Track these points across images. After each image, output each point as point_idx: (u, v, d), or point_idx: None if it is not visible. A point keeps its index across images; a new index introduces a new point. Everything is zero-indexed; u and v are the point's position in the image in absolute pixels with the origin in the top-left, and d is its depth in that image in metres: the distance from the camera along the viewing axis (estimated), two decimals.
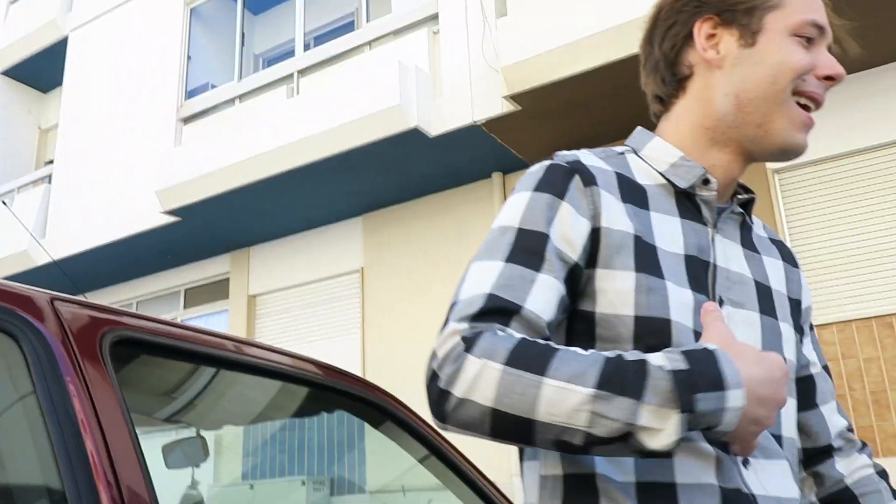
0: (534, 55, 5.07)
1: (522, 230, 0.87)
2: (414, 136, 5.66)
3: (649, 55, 1.02)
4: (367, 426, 1.95)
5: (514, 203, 0.90)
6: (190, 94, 7.66)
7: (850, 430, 1.04)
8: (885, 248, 4.82)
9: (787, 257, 1.06)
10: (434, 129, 5.70)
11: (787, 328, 0.97)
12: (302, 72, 6.85)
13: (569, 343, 0.87)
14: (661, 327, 0.85)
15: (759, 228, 1.05)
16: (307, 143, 5.96)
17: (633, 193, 0.93)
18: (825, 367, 1.04)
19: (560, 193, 0.88)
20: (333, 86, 6.13)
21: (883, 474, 1.01)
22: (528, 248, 0.85)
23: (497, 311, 0.81)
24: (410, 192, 6.61)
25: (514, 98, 5.27)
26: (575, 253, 0.86)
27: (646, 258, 0.87)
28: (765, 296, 0.97)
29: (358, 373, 6.67)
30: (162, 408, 1.86)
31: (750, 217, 1.02)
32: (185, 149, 6.86)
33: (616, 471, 0.84)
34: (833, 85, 0.93)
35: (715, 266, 0.93)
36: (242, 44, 7.62)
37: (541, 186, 0.89)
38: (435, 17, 6.15)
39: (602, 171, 0.93)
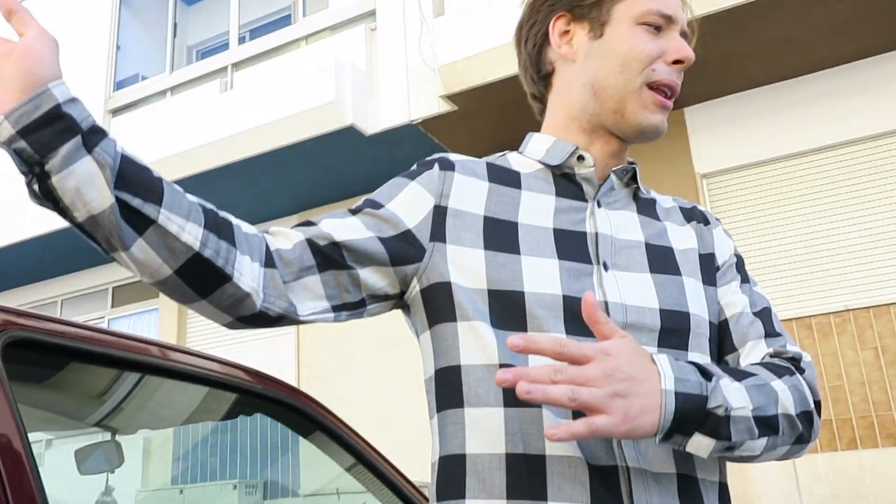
0: (470, 55, 5.08)
1: (366, 199, 0.97)
2: (349, 133, 5.61)
3: (519, 57, 1.08)
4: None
5: None
6: (119, 86, 7.43)
7: (781, 351, 0.97)
8: (805, 252, 4.98)
9: (700, 218, 1.07)
10: (370, 127, 5.66)
11: (693, 282, 0.98)
12: (236, 65, 6.72)
13: (430, 315, 0.93)
14: (516, 299, 0.89)
15: (665, 201, 1.07)
16: (240, 139, 5.85)
17: (503, 176, 0.99)
18: (761, 312, 1.00)
19: (413, 176, 0.97)
20: (268, 81, 6.03)
21: (793, 360, 0.95)
22: (358, 207, 0.95)
23: (297, 225, 0.93)
24: (346, 190, 6.54)
25: (451, 98, 5.27)
26: (411, 222, 0.93)
27: (499, 235, 0.93)
28: (663, 256, 0.99)
29: (293, 371, 6.58)
30: (69, 412, 1.79)
31: (639, 187, 1.03)
32: None
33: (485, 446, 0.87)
34: (684, 68, 0.98)
35: (597, 234, 0.95)
36: (175, 35, 7.43)
37: (405, 174, 0.99)
38: (372, 14, 6.10)
39: (470, 161, 1.00)
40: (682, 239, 1.03)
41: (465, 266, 0.91)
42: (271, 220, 7.05)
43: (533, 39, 1.04)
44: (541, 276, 0.90)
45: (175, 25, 7.46)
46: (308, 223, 0.93)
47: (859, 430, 4.58)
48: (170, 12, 7.47)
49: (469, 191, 0.96)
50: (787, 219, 5.09)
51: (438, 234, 0.93)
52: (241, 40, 7.00)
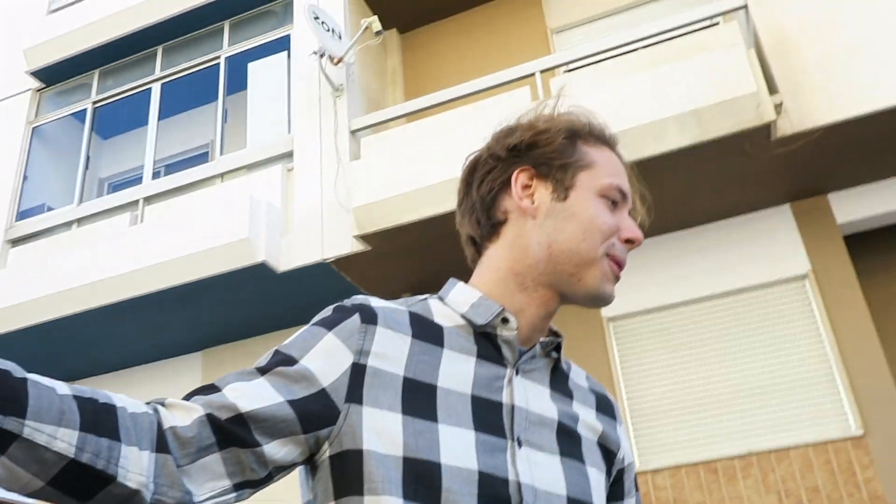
0: (383, 198, 5.19)
1: (277, 351, 0.89)
2: (261, 270, 5.56)
3: (466, 197, 1.05)
4: None
5: (294, 334, 0.94)
6: (22, 216, 7.22)
7: None
8: (708, 396, 5.09)
9: (607, 409, 1.06)
10: (282, 264, 5.63)
11: (595, 473, 0.97)
12: (148, 199, 6.65)
13: (337, 487, 0.85)
14: (431, 470, 0.83)
15: (579, 377, 1.06)
16: (148, 273, 5.70)
17: (426, 331, 0.93)
18: None
19: (330, 327, 0.90)
20: (181, 215, 5.97)
21: None
22: (268, 365, 0.87)
23: (195, 390, 0.85)
24: (255, 327, 6.41)
25: (364, 238, 5.33)
26: (326, 380, 0.86)
27: (418, 400, 0.87)
28: (570, 439, 0.97)
29: None
30: None
31: (560, 360, 1.02)
32: (10, 272, 6.39)
33: None
34: (632, 248, 1.00)
35: (513, 406, 0.92)
36: (87, 167, 7.36)
37: (319, 322, 0.92)
38: (290, 155, 6.21)
39: (393, 310, 0.93)
40: (590, 426, 1.02)
41: (382, 431, 0.85)
42: (176, 357, 6.79)
43: (490, 184, 1.02)
44: (458, 449, 0.85)
45: (88, 158, 7.40)
46: (211, 388, 0.84)
47: None
48: (83, 145, 7.42)
49: (390, 348, 0.90)
50: (690, 362, 5.24)
51: (355, 394, 0.86)
52: (156, 175, 6.98)
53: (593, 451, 1.00)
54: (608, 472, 1.02)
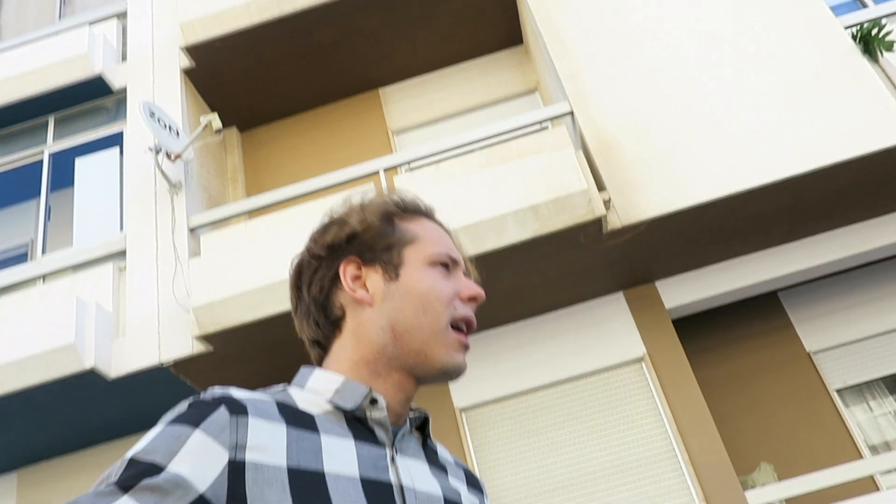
0: (226, 297, 5.00)
1: (133, 460, 0.78)
2: (90, 377, 5.12)
3: (299, 302, 1.03)
4: None
5: (143, 438, 0.81)
6: None
7: None
8: (561, 478, 5.18)
9: (475, 483, 1.07)
10: (114, 370, 5.22)
11: None
12: None
13: None
14: None
15: (444, 452, 1.05)
16: None
17: (298, 419, 0.88)
18: None
19: (195, 423, 0.81)
20: None
21: None
22: (129, 477, 0.76)
23: None
24: (83, 440, 5.84)
25: (206, 338, 5.08)
26: (203, 484, 0.77)
27: (307, 490, 0.81)
28: None
29: None
30: None
31: (429, 437, 1.02)
32: None
33: None
34: (478, 305, 1.01)
35: (402, 487, 0.89)
36: None
37: (177, 419, 0.82)
38: (122, 254, 5.87)
39: (258, 400, 0.87)
40: (469, 501, 1.01)
41: None
42: None
43: (319, 283, 1.00)
44: None
45: None
46: None
47: None
48: None
49: (266, 438, 0.83)
50: (542, 448, 5.33)
51: (237, 496, 0.78)
52: None
53: None
54: None
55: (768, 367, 5.87)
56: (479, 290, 1.01)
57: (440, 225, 1.08)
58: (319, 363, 1.02)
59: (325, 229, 1.04)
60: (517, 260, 5.05)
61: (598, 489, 5.12)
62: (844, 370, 5.79)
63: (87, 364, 5.05)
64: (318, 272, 1.02)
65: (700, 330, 5.93)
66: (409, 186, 5.40)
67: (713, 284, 5.59)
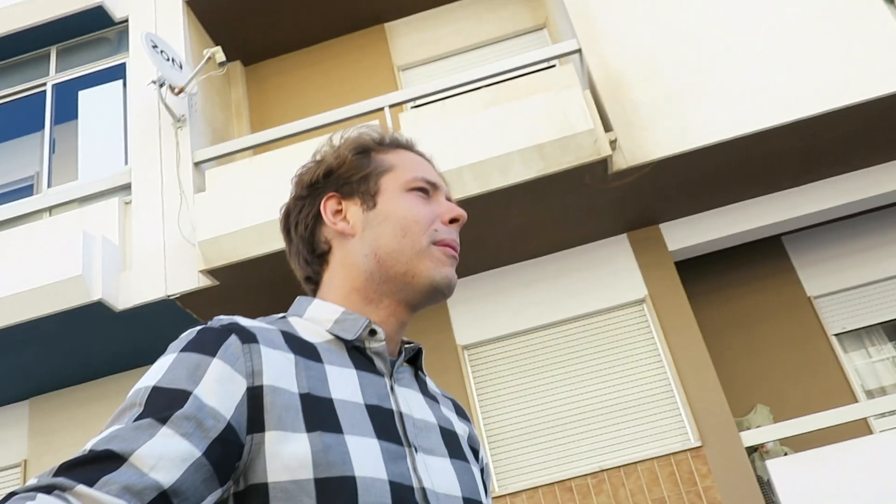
0: (231, 231, 5.02)
1: (158, 389, 0.78)
2: (97, 309, 5.18)
3: (290, 244, 1.06)
4: None
5: (156, 366, 0.82)
6: None
7: None
8: (560, 417, 5.29)
9: (461, 412, 1.09)
10: (121, 302, 5.28)
11: (476, 471, 0.99)
12: None
13: None
14: (346, 485, 0.79)
15: (432, 384, 1.07)
16: None
17: (302, 348, 0.90)
18: None
19: (211, 352, 0.82)
20: (4, 252, 5.47)
21: None
22: (161, 408, 0.76)
23: (92, 460, 0.70)
24: (91, 371, 5.95)
25: (211, 272, 5.12)
26: (228, 412, 0.78)
27: (319, 415, 0.83)
28: (452, 440, 0.98)
29: None
30: None
31: (422, 369, 1.04)
32: None
33: None
34: (459, 226, 1.02)
35: (401, 413, 0.91)
36: None
37: (189, 347, 0.83)
38: (127, 188, 5.87)
39: (264, 329, 0.89)
40: (459, 427, 1.05)
41: (287, 455, 0.79)
42: (1, 406, 6.17)
43: (304, 222, 1.03)
44: (367, 459, 0.82)
45: None
46: (112, 458, 0.70)
47: None
48: None
49: (278, 366, 0.84)
50: (542, 386, 5.42)
51: (256, 422, 0.80)
52: None
53: (468, 451, 1.02)
54: (479, 469, 1.05)
55: (769, 311, 5.91)
56: (460, 211, 1.02)
57: (420, 154, 1.09)
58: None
59: (304, 171, 1.06)
60: (522, 199, 5.05)
61: (595, 427, 5.22)
62: (844, 315, 5.83)
63: (95, 296, 5.10)
64: (302, 212, 1.04)
65: (702, 272, 5.96)
66: (415, 123, 5.36)
67: (717, 227, 5.59)
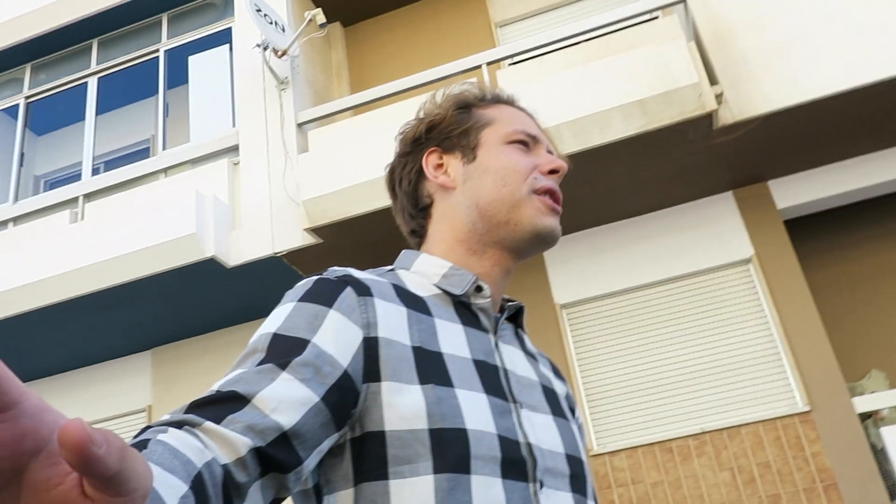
0: (334, 190, 5.15)
1: (279, 335, 0.80)
2: (210, 265, 5.45)
3: (396, 200, 1.10)
4: None
5: (276, 314, 0.85)
6: None
7: None
8: (661, 378, 5.22)
9: (557, 372, 1.11)
10: (232, 259, 5.53)
11: (576, 429, 1.00)
12: (88, 196, 6.44)
13: (359, 472, 0.80)
14: (459, 437, 0.80)
15: (529, 343, 1.08)
16: (91, 272, 5.53)
17: (412, 301, 0.92)
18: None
19: (328, 303, 0.84)
20: (124, 212, 5.81)
21: None
22: (281, 354, 0.78)
23: (219, 399, 0.73)
24: (206, 324, 6.28)
25: (315, 231, 5.28)
26: (344, 360, 0.80)
27: (431, 368, 0.84)
28: (552, 398, 0.99)
29: None
30: None
31: (522, 327, 1.06)
32: None
33: None
34: (560, 177, 1.02)
35: (505, 370, 0.93)
36: (21, 164, 7.09)
37: (307, 297, 0.85)
38: (235, 149, 6.10)
39: (377, 281, 0.91)
40: (557, 386, 1.06)
41: (403, 406, 0.81)
42: (124, 357, 6.61)
43: (408, 178, 1.06)
44: (476, 412, 0.84)
45: (22, 155, 7.13)
46: (236, 399, 0.73)
47: None
48: (16, 142, 7.15)
49: (392, 319, 0.86)
50: (642, 346, 5.35)
51: (372, 372, 0.82)
52: (95, 171, 6.77)
53: (567, 410, 1.03)
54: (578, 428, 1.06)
55: (885, 272, 5.61)
56: (560, 162, 1.02)
57: (522, 109, 1.10)
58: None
59: (407, 128, 1.09)
60: (622, 156, 4.95)
61: (697, 388, 5.13)
62: None
63: (208, 253, 5.37)
64: (405, 168, 1.07)
65: (813, 231, 5.70)
66: (512, 81, 5.31)
67: (831, 184, 5.32)
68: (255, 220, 5.61)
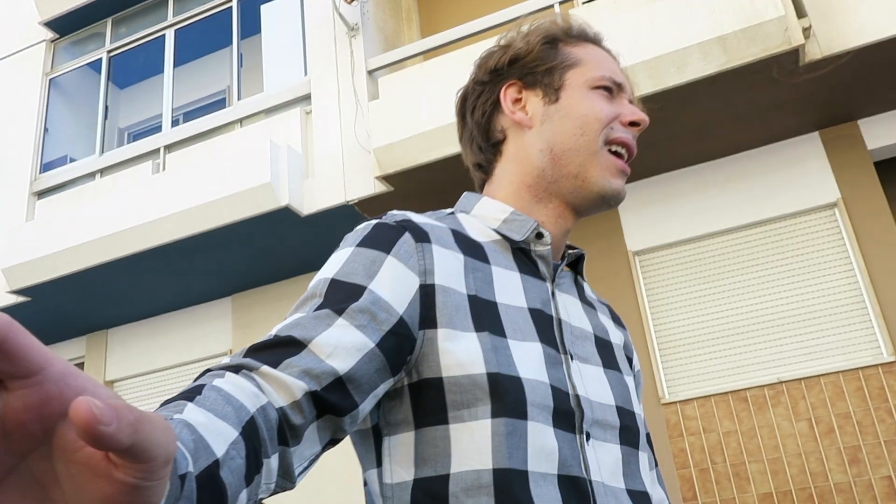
0: (404, 138, 5.15)
1: (336, 281, 0.81)
2: (285, 214, 5.57)
3: (463, 129, 1.05)
4: None
5: (334, 259, 0.85)
6: (45, 168, 7.26)
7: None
8: (736, 326, 5.09)
9: (617, 319, 1.09)
10: (306, 208, 5.63)
11: (630, 382, 0.99)
12: (169, 147, 6.65)
13: (418, 417, 0.81)
14: (515, 384, 0.81)
15: (589, 290, 1.07)
16: (173, 220, 5.74)
17: (471, 248, 0.91)
18: (649, 438, 1.03)
19: (386, 248, 0.84)
20: (202, 162, 5.98)
21: None
22: (339, 300, 0.78)
23: (276, 344, 0.74)
24: (282, 272, 6.46)
25: (386, 179, 5.31)
26: (401, 307, 0.80)
27: (485, 317, 0.84)
28: (607, 350, 0.98)
29: None
30: None
31: (582, 274, 1.03)
32: (38, 224, 6.45)
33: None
34: (639, 130, 0.99)
35: (560, 320, 0.92)
36: (106, 117, 7.35)
37: (365, 242, 0.85)
38: (307, 98, 6.15)
39: (436, 227, 0.90)
40: (615, 335, 1.04)
41: (459, 352, 0.81)
42: (206, 303, 6.88)
43: (482, 108, 1.02)
44: (530, 362, 0.84)
45: (106, 108, 7.38)
46: (293, 343, 0.74)
47: (799, 503, 4.61)
48: (101, 96, 7.40)
49: (449, 266, 0.86)
50: (717, 294, 5.22)
51: (428, 319, 0.82)
52: (175, 123, 6.96)
53: (622, 360, 1.01)
54: (634, 379, 1.05)
55: None
56: (641, 115, 0.98)
57: (608, 52, 1.05)
58: (481, 188, 1.05)
59: (489, 55, 1.04)
60: (701, 97, 4.76)
61: (775, 337, 4.98)
62: None
63: (283, 202, 5.48)
64: (481, 97, 1.03)
65: None
66: (586, 19, 5.14)
67: None
68: (328, 169, 5.68)
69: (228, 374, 0.69)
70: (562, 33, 1.02)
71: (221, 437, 0.61)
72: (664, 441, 4.93)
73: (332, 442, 0.77)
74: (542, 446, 0.80)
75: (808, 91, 4.82)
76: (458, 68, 5.25)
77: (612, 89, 0.99)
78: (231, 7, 7.05)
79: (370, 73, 5.88)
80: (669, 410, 4.97)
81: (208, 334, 6.77)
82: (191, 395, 0.64)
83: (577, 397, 0.87)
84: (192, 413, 0.61)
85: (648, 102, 4.65)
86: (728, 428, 4.84)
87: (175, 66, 7.21)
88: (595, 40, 1.05)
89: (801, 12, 4.67)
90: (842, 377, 4.69)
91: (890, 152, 5.17)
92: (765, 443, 4.73)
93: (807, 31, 4.56)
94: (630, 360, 1.06)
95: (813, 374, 4.76)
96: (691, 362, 5.12)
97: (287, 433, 0.70)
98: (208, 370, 0.71)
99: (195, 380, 0.69)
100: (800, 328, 4.94)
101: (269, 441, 0.67)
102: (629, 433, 0.92)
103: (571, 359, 0.90)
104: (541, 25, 1.03)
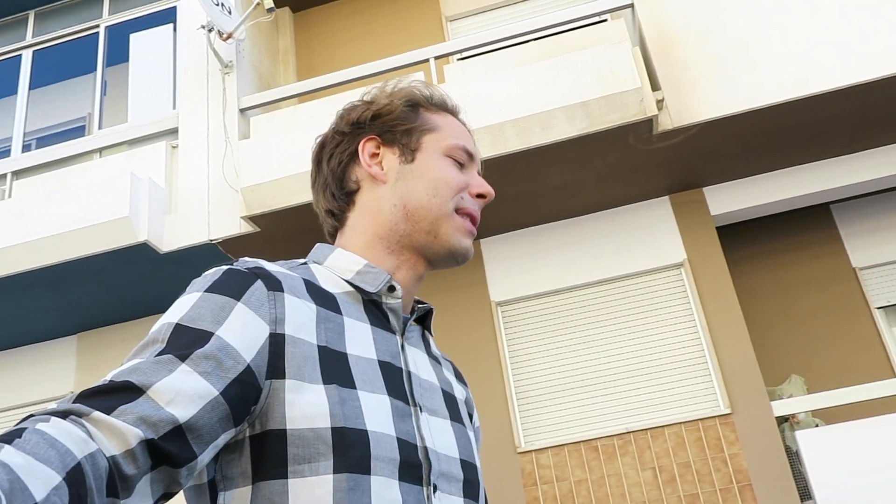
0: (273, 179, 5.09)
1: (181, 326, 0.78)
2: (143, 250, 5.33)
3: (318, 175, 1.08)
4: None
5: (180, 303, 0.82)
6: None
7: None
8: (590, 377, 5.30)
9: (459, 376, 1.12)
10: (166, 244, 5.42)
11: (472, 435, 1.01)
12: (17, 173, 6.24)
13: (257, 470, 0.79)
14: (360, 438, 0.80)
15: (434, 346, 1.09)
16: (17, 251, 5.36)
17: (323, 298, 0.91)
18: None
19: (236, 295, 0.82)
20: (55, 191, 5.64)
21: None
22: (183, 345, 0.76)
23: (111, 390, 0.71)
24: (136, 310, 6.14)
25: (252, 219, 5.21)
26: (249, 355, 0.79)
27: (334, 368, 0.84)
28: (452, 403, 1.00)
29: None
30: None
31: (430, 329, 1.06)
32: None
33: None
34: (485, 202, 1.04)
35: (409, 373, 0.93)
36: None
37: (214, 287, 0.83)
38: (174, 132, 5.97)
39: (288, 276, 0.90)
40: (459, 391, 1.07)
41: (305, 404, 0.80)
42: (49, 340, 6.42)
43: (339, 157, 1.04)
44: (378, 415, 0.84)
45: None
46: (130, 389, 0.71)
47: None
48: None
49: (301, 316, 0.85)
50: (573, 346, 5.43)
51: (276, 369, 0.81)
52: (26, 148, 6.56)
53: (465, 415, 1.04)
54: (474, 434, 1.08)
55: (811, 280, 5.80)
56: (489, 189, 1.04)
57: (463, 123, 1.11)
58: (331, 235, 1.08)
59: (352, 108, 1.08)
60: (564, 156, 5.00)
61: (625, 389, 5.23)
62: (890, 288, 5.68)
63: (141, 237, 5.25)
64: (339, 146, 1.05)
65: (744, 238, 5.86)
66: (459, 76, 5.32)
67: (763, 193, 5.46)
68: (192, 206, 5.51)
69: (55, 419, 0.65)
70: (423, 99, 1.07)
71: (41, 481, 0.58)
72: (518, 490, 5.02)
73: (165, 496, 0.74)
74: (386, 501, 0.80)
75: (661, 158, 5.17)
76: (332, 113, 5.25)
77: (463, 161, 1.04)
78: (98, 32, 6.78)
79: (242, 111, 5.79)
80: (525, 459, 5.08)
81: (49, 375, 6.31)
82: (9, 437, 0.61)
83: (426, 449, 0.88)
84: (8, 454, 0.58)
85: (516, 160, 4.84)
86: (579, 476, 4.99)
87: (31, 88, 6.82)
88: (453, 111, 1.10)
89: (655, 85, 5.03)
90: (683, 428, 4.97)
91: (731, 218, 5.61)
92: (612, 491, 4.92)
93: (660, 103, 4.92)
94: (471, 416, 1.09)
95: (658, 425, 5.01)
96: (547, 412, 5.27)
97: (118, 484, 0.67)
98: (31, 415, 0.67)
99: (16, 424, 0.65)
100: (648, 381, 5.21)
101: (95, 491, 0.63)
102: (471, 486, 0.94)
103: (420, 411, 0.92)
104: (405, 88, 1.07)
